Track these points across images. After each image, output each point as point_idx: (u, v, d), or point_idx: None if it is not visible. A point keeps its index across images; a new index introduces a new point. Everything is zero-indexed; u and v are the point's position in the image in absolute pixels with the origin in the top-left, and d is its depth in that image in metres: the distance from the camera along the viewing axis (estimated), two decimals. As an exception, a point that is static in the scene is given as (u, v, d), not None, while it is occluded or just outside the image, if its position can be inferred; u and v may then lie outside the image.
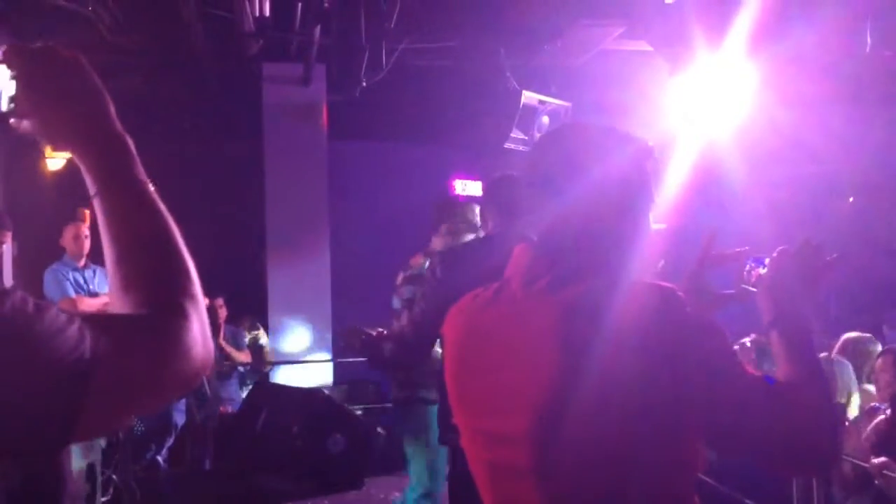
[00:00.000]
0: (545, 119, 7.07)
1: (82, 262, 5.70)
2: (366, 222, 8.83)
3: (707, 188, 6.18)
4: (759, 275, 1.56)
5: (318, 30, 6.43)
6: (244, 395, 7.10)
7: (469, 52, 6.99)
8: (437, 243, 4.16)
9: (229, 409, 6.94)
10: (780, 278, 1.49)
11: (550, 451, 1.31)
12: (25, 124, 1.05)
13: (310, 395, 6.88)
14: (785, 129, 5.97)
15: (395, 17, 5.62)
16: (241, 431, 6.53)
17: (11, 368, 0.86)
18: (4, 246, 5.68)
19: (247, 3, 5.88)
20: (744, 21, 4.87)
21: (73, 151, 1.05)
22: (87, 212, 5.79)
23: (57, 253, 5.76)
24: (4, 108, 1.05)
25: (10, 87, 1.05)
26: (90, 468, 4.73)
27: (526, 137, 7.02)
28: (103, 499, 4.96)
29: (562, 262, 1.40)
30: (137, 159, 1.06)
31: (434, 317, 2.97)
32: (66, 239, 5.73)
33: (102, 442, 4.96)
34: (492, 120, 7.20)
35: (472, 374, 1.48)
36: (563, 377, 1.29)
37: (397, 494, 6.21)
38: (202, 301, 1.02)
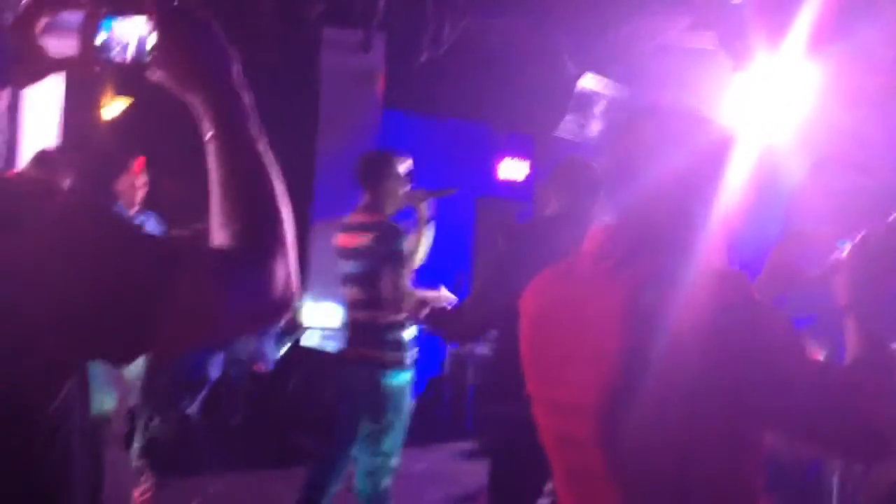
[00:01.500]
0: (601, 106, 7.03)
1: (135, 209, 5.78)
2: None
3: (766, 190, 6.10)
4: (840, 257, 1.54)
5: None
6: (278, 354, 7.17)
7: (531, 34, 6.96)
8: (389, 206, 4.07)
9: (262, 367, 7.02)
10: (861, 261, 1.47)
11: (615, 424, 1.33)
12: (159, 73, 1.16)
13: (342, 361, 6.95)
14: (847, 129, 5.86)
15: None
16: (274, 390, 6.63)
17: (113, 251, 0.97)
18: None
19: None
20: (805, 19, 4.80)
21: (197, 100, 1.15)
22: (142, 160, 5.86)
23: (111, 199, 5.84)
24: (145, 59, 1.16)
25: (152, 39, 1.15)
26: (130, 411, 4.82)
27: (580, 123, 6.99)
28: (136, 445, 5.05)
29: (632, 241, 1.41)
30: (250, 114, 1.18)
31: (497, 291, 3.00)
32: (123, 186, 5.81)
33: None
34: (546, 104, 7.18)
35: (544, 345, 1.53)
36: (629, 354, 1.32)
37: (422, 466, 6.27)
38: (292, 246, 1.12)
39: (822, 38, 4.83)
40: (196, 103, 1.16)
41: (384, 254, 3.88)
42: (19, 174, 4.13)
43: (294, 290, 1.10)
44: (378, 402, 3.92)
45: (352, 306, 4.09)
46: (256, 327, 1.13)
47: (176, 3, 1.18)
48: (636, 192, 1.44)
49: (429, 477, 6.04)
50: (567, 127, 7.02)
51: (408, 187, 4.12)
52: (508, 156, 9.63)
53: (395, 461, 4.05)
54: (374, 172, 4.11)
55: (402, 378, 3.98)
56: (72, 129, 7.31)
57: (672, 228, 1.41)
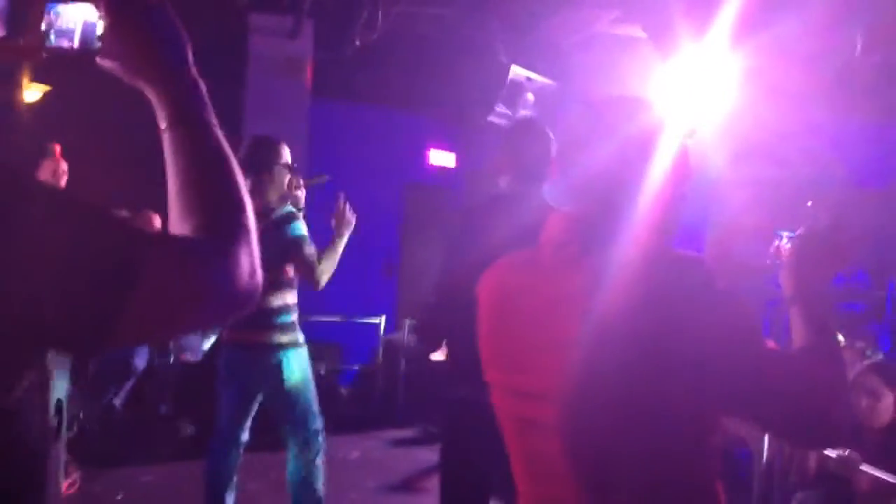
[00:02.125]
0: (530, 96, 7.09)
1: None
2: (340, 182, 8.79)
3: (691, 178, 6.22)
4: (784, 248, 1.59)
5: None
6: (205, 346, 7.07)
7: (461, 23, 6.98)
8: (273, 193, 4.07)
9: (189, 357, 6.91)
10: (805, 254, 1.52)
11: (576, 410, 1.35)
12: (110, 62, 1.12)
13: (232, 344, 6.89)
14: (769, 121, 6.02)
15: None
16: (201, 380, 6.53)
17: (70, 239, 0.92)
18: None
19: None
20: (729, 10, 4.90)
21: (150, 89, 1.12)
22: (59, 147, 5.70)
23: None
24: (95, 45, 1.12)
25: (100, 27, 1.12)
26: (58, 403, 4.70)
27: (509, 112, 7.04)
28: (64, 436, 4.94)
29: (590, 229, 1.44)
30: (206, 103, 1.15)
31: (457, 279, 2.98)
32: (44, 173, 5.65)
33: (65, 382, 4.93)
34: (476, 93, 7.21)
35: (505, 333, 1.54)
36: (588, 339, 1.33)
37: (356, 454, 6.27)
38: (254, 234, 1.09)
39: (745, 30, 4.94)
40: (150, 92, 1.13)
41: (276, 240, 3.87)
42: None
43: (259, 277, 1.08)
44: (279, 381, 3.92)
45: None
46: (225, 317, 1.10)
47: None
48: (589, 179, 1.46)
49: (362, 465, 6.05)
50: (500, 114, 7.05)
51: (289, 175, 4.11)
52: (438, 143, 9.68)
53: (317, 443, 4.01)
54: (259, 159, 4.06)
55: (299, 354, 3.99)
56: (-10, 114, 7.10)
57: (623, 215, 1.43)
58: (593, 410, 1.33)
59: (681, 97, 5.78)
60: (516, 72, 6.88)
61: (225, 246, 1.04)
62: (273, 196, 4.03)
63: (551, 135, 3.15)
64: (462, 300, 3.02)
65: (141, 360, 6.33)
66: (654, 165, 1.44)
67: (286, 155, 4.11)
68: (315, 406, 4.03)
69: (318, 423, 4.02)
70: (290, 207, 4.01)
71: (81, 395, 5.22)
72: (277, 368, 3.93)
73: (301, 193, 4.30)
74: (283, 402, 3.97)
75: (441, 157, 9.84)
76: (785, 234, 1.60)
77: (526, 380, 1.46)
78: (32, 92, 7.22)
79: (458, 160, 9.84)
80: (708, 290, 1.33)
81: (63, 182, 5.60)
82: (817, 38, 4.85)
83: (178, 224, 1.07)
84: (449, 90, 7.72)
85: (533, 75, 7.03)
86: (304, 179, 4.34)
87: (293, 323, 4.02)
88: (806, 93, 5.14)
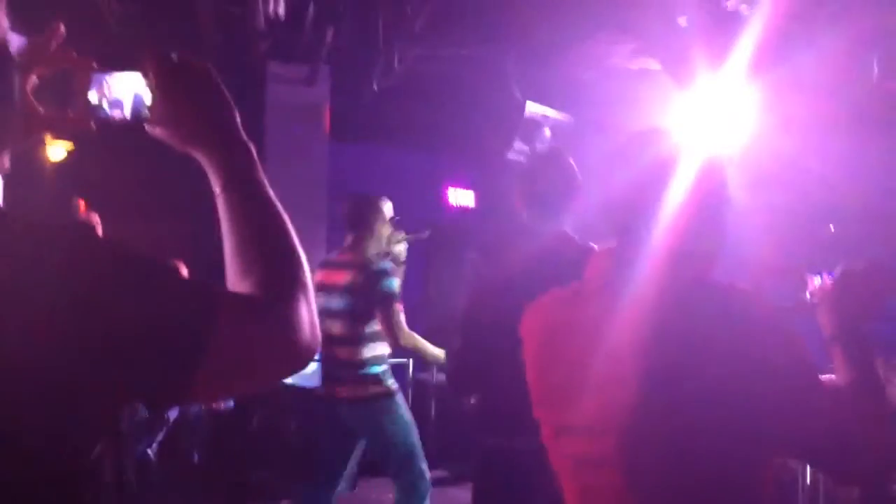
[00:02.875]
0: (547, 132, 7.12)
1: None
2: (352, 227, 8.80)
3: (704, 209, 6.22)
4: (823, 288, 1.60)
5: (329, 30, 6.45)
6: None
7: (477, 62, 7.04)
8: (372, 247, 4.25)
9: (221, 405, 6.92)
10: (846, 292, 1.53)
11: (636, 445, 1.36)
12: (159, 130, 1.15)
13: (303, 394, 6.89)
14: (784, 153, 6.04)
15: (417, 22, 5.64)
16: (235, 428, 6.55)
17: (144, 300, 0.95)
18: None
19: (261, 1, 5.91)
20: (746, 42, 4.93)
21: (201, 155, 1.15)
22: (83, 202, 5.76)
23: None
24: (145, 114, 1.14)
25: (149, 96, 1.14)
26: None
27: (527, 149, 7.07)
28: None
29: (624, 263, 1.46)
30: (257, 164, 1.17)
31: (481, 322, 2.94)
32: None
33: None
34: (493, 131, 7.26)
35: (555, 370, 1.55)
36: (648, 375, 1.35)
37: (391, 496, 6.23)
38: (311, 290, 1.11)
39: (762, 62, 4.97)
40: (201, 158, 1.15)
41: (370, 293, 4.07)
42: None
43: (318, 331, 1.10)
44: (377, 431, 4.14)
45: (330, 341, 4.17)
46: (288, 372, 1.10)
47: (174, 58, 1.16)
48: (609, 211, 1.49)
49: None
50: (518, 150, 7.09)
51: (390, 230, 4.32)
52: (458, 183, 9.71)
53: (423, 484, 4.20)
54: (361, 214, 4.27)
55: (392, 402, 4.17)
56: (12, 177, 7.18)
57: (644, 244, 1.45)
58: (653, 444, 1.34)
59: (698, 128, 5.80)
60: (532, 108, 6.92)
61: (284, 302, 1.06)
62: (372, 250, 4.21)
63: (572, 164, 3.09)
64: (490, 343, 3.02)
65: (173, 410, 6.34)
66: (670, 191, 1.46)
67: (386, 211, 4.30)
68: (418, 449, 4.20)
69: (422, 465, 4.19)
70: (387, 263, 4.17)
71: (119, 449, 5.23)
72: (374, 419, 4.12)
73: (401, 248, 4.42)
74: (383, 450, 4.20)
75: (461, 197, 9.87)
76: (820, 275, 1.62)
77: (579, 416, 1.47)
78: (56, 149, 7.33)
79: (477, 199, 9.87)
80: (751, 321, 1.35)
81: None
82: (834, 68, 4.88)
83: (237, 283, 1.09)
84: (466, 129, 7.78)
85: (549, 111, 7.07)
86: (405, 235, 4.47)
87: (385, 372, 4.18)
88: (822, 123, 5.15)
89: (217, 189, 1.14)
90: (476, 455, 3.13)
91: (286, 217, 1.15)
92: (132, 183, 7.22)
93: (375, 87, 6.19)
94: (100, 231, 5.37)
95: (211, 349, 0.96)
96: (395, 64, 5.71)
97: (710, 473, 1.33)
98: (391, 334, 4.09)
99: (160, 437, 6.41)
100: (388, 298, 4.08)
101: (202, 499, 6.00)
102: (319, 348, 1.13)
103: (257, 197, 1.14)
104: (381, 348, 4.17)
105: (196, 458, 6.74)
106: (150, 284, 0.97)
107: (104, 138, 1.15)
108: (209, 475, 6.47)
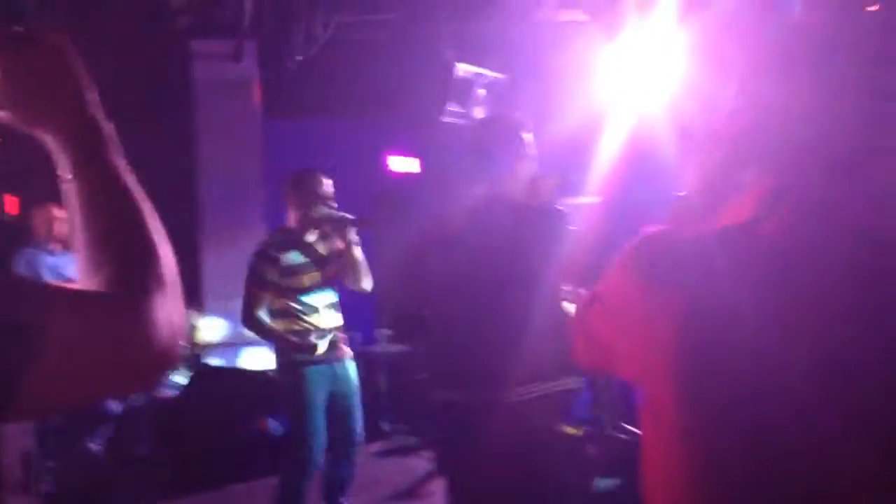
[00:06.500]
0: (481, 91, 7.03)
1: (56, 247, 5.52)
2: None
3: (640, 160, 6.21)
4: None
5: (249, 3, 6.28)
6: (180, 379, 6.96)
7: (404, 25, 6.91)
8: (293, 218, 4.49)
9: (166, 393, 6.79)
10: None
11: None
12: (3, 111, 1.03)
13: (252, 378, 6.80)
14: (716, 100, 5.98)
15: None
16: (180, 417, 6.43)
17: None
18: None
19: (174, -24, 5.73)
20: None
21: (52, 137, 1.03)
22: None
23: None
24: None
25: None
26: (25, 456, 4.61)
27: (463, 110, 6.98)
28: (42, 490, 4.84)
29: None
30: (115, 144, 1.05)
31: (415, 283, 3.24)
32: (38, 222, 5.53)
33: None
34: (427, 94, 7.15)
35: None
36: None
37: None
38: (174, 287, 1.00)
39: (690, 5, 4.91)
40: (51, 141, 1.03)
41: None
42: None
43: (180, 335, 0.99)
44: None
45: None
46: (143, 379, 1.01)
47: (19, 29, 1.04)
48: None
49: (358, 482, 5.95)
50: (454, 112, 6.99)
51: (328, 206, 4.48)
52: (399, 150, 9.58)
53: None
54: (297, 191, 4.46)
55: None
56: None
57: None
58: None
59: (629, 76, 5.74)
60: (463, 69, 6.82)
61: (137, 301, 0.95)
62: (309, 227, 4.47)
63: (522, 126, 3.13)
64: (434, 294, 3.05)
65: (116, 402, 6.22)
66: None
67: (325, 186, 4.49)
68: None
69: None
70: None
71: (54, 445, 5.10)
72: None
73: (349, 232, 4.55)
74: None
75: (404, 164, 9.74)
76: None
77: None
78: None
79: (422, 164, 9.75)
80: None
81: (59, 230, 5.44)
82: (759, 6, 4.80)
83: (88, 279, 0.98)
84: (400, 95, 7.65)
85: (481, 70, 6.97)
86: (353, 220, 4.60)
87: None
88: (749, 64, 5.08)
89: (66, 175, 1.03)
90: (435, 413, 3.20)
91: (147, 206, 1.04)
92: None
93: (299, 58, 6.02)
94: (59, 227, 5.22)
95: (42, 352, 0.85)
96: (317, 32, 5.55)
97: None
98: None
99: (104, 430, 6.30)
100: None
101: (152, 491, 5.89)
102: (180, 353, 1.01)
103: (111, 185, 1.02)
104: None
105: (141, 449, 6.62)
106: None
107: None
108: (157, 465, 6.36)
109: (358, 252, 4.50)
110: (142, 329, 0.93)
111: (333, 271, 4.55)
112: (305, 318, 4.42)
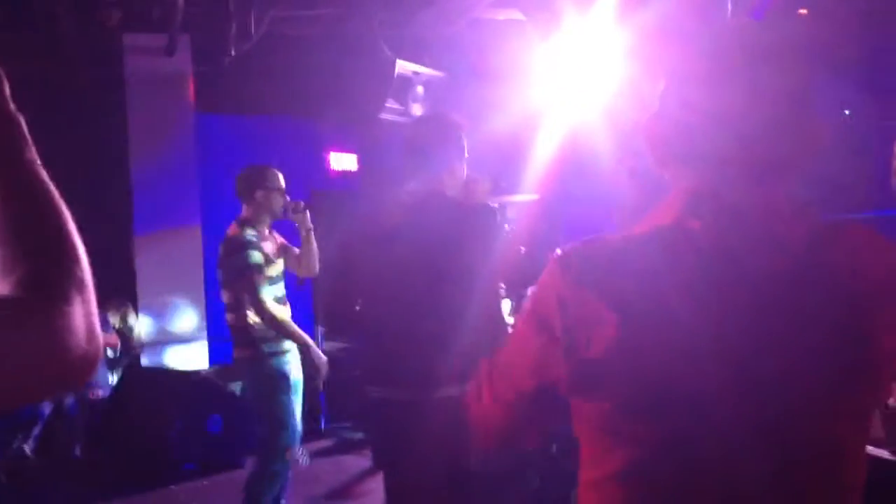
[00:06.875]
0: (420, 89, 7.02)
1: None
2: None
3: (577, 158, 6.26)
4: None
5: (181, -3, 6.18)
6: (114, 379, 6.84)
7: (342, 21, 6.87)
8: (249, 211, 4.40)
9: (99, 394, 6.66)
10: None
11: None
12: None
13: (185, 377, 6.72)
14: (650, 100, 6.04)
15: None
16: (114, 417, 6.32)
17: None
18: None
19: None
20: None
21: None
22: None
23: None
24: None
25: None
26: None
27: (401, 108, 6.96)
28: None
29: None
30: (27, 140, 1.00)
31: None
32: None
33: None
34: (366, 91, 7.11)
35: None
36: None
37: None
38: (90, 288, 0.94)
39: (627, 5, 4.96)
40: None
41: (233, 265, 4.25)
42: None
43: (98, 340, 0.93)
44: (265, 389, 4.32)
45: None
46: (59, 384, 0.95)
47: None
48: None
49: (294, 481, 5.92)
50: (393, 109, 6.96)
51: (282, 200, 4.45)
52: (338, 147, 9.52)
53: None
54: (243, 187, 4.40)
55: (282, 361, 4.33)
56: None
57: None
58: None
59: (565, 76, 5.78)
60: (403, 66, 6.80)
61: (52, 303, 0.89)
62: (266, 221, 4.40)
63: (452, 119, 3.15)
64: (368, 290, 3.05)
65: (46, 404, 6.08)
66: None
67: (273, 180, 4.42)
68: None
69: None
70: (248, 235, 4.27)
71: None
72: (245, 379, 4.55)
73: (303, 217, 4.59)
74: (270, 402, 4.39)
75: (343, 161, 9.68)
76: None
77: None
78: None
79: (360, 161, 9.71)
80: None
81: None
82: (696, 10, 4.87)
83: (1, 281, 0.92)
84: (338, 92, 7.61)
85: (420, 68, 6.96)
86: (305, 204, 4.63)
87: (260, 338, 4.34)
88: (684, 69, 5.14)
89: None
90: (369, 409, 3.16)
91: (60, 203, 0.98)
92: None
93: (233, 53, 5.93)
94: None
95: None
96: (252, 28, 5.48)
97: None
98: (252, 306, 4.22)
99: (36, 432, 6.16)
100: (240, 271, 4.21)
101: (85, 491, 5.77)
102: (98, 357, 0.93)
103: (21, 181, 0.97)
104: (254, 316, 4.29)
105: (76, 451, 6.49)
106: None
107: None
108: (91, 467, 6.24)
109: (313, 238, 4.57)
110: (59, 333, 0.88)
111: (292, 261, 4.56)
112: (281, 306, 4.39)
